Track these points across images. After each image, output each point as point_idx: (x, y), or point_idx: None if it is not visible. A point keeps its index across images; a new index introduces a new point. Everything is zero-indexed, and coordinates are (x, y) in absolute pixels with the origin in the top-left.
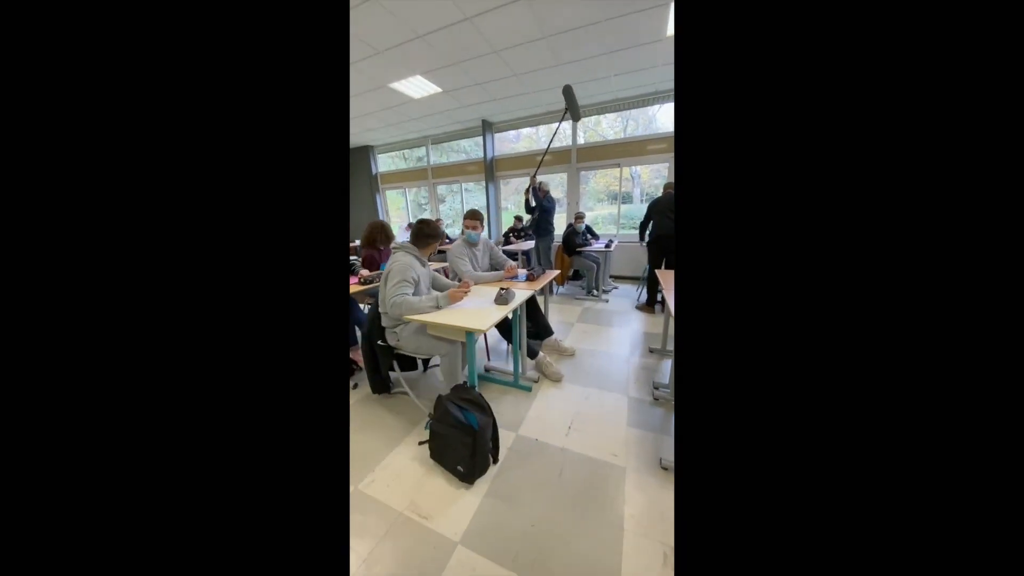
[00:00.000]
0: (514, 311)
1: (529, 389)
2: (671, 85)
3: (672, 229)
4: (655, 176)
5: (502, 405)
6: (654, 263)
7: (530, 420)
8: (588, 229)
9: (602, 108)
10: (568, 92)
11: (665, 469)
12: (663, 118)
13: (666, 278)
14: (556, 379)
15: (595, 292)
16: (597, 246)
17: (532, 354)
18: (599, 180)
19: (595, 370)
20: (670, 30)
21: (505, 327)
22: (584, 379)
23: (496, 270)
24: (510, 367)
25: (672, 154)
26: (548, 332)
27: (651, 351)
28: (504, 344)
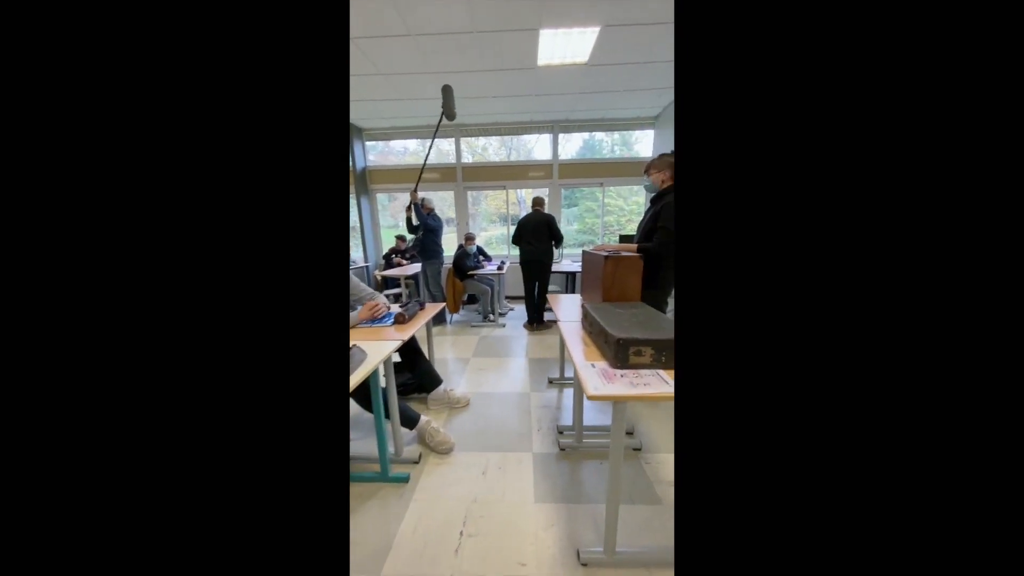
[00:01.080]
0: (372, 374)
1: (406, 479)
2: (547, 115)
3: (535, 255)
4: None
5: (364, 518)
6: (527, 286)
7: (404, 539)
8: (480, 251)
9: (484, 130)
10: (447, 91)
11: (585, 565)
12: (540, 150)
13: (554, 300)
14: (444, 450)
15: (491, 316)
16: (490, 268)
17: (411, 423)
18: (491, 202)
19: (493, 423)
20: (542, 59)
21: (364, 394)
22: (480, 440)
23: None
24: (378, 450)
25: (552, 179)
26: (435, 382)
27: (550, 382)
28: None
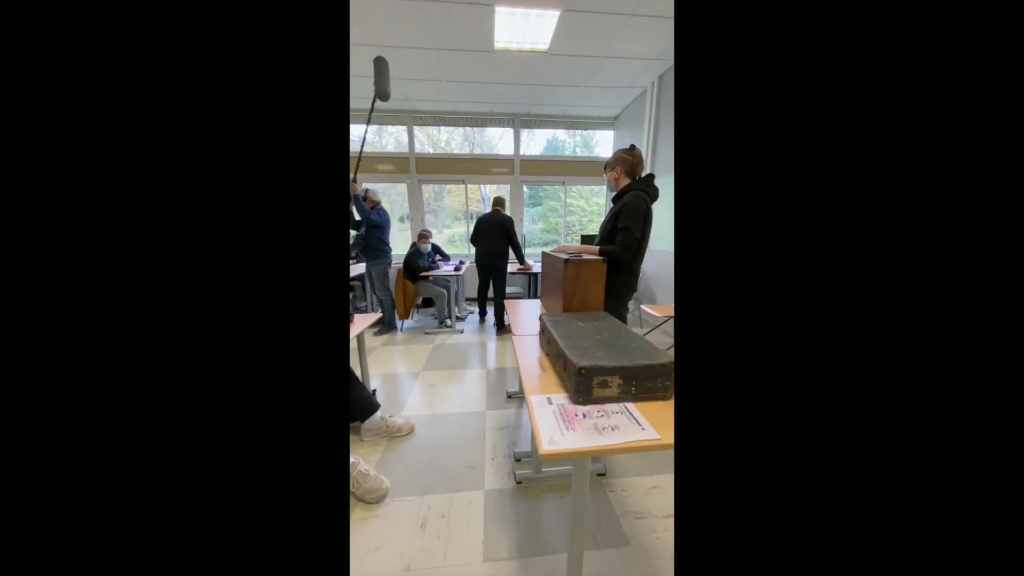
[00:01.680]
0: None
1: None
2: (508, 107)
3: (489, 257)
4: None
5: None
6: (480, 286)
7: None
8: (436, 249)
9: (440, 119)
10: (380, 64)
11: None
12: (504, 146)
13: (512, 308)
14: (374, 499)
15: (448, 322)
16: (447, 268)
17: (365, 411)
18: (455, 198)
19: (440, 454)
20: (499, 41)
21: None
22: (422, 479)
23: None
24: None
25: (514, 176)
26: (370, 409)
27: (509, 397)
28: None
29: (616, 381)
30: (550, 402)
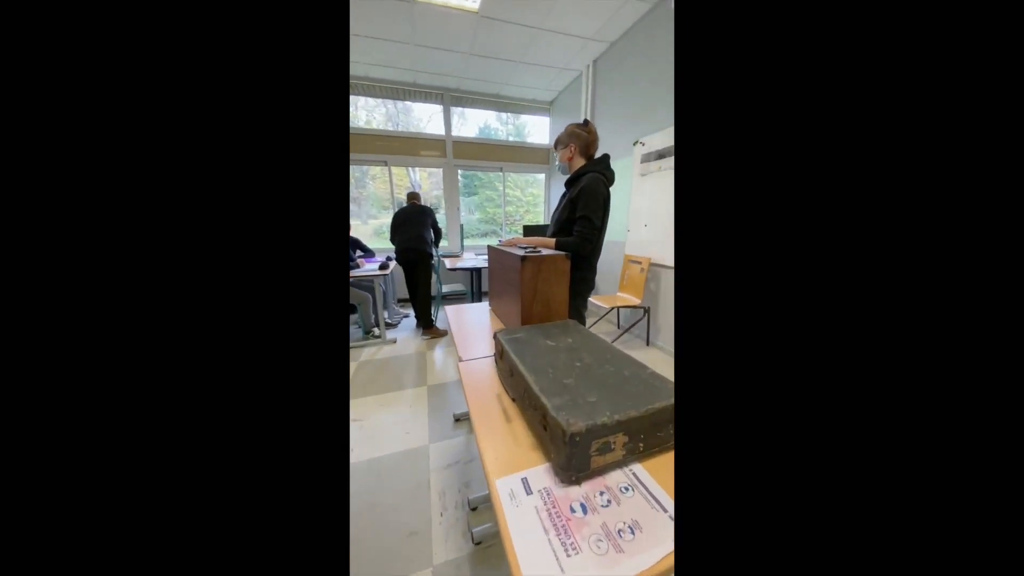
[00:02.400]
0: None
1: None
2: (435, 80)
3: (411, 245)
4: (435, 188)
5: None
6: (409, 286)
7: None
8: (356, 244)
9: (354, 86)
10: None
11: None
12: (434, 126)
13: (454, 316)
14: None
15: (376, 331)
16: (370, 267)
17: None
18: (380, 184)
19: (371, 521)
20: None
21: None
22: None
23: None
24: None
25: (446, 159)
26: None
27: (457, 420)
28: None
29: (620, 440)
30: (527, 489)
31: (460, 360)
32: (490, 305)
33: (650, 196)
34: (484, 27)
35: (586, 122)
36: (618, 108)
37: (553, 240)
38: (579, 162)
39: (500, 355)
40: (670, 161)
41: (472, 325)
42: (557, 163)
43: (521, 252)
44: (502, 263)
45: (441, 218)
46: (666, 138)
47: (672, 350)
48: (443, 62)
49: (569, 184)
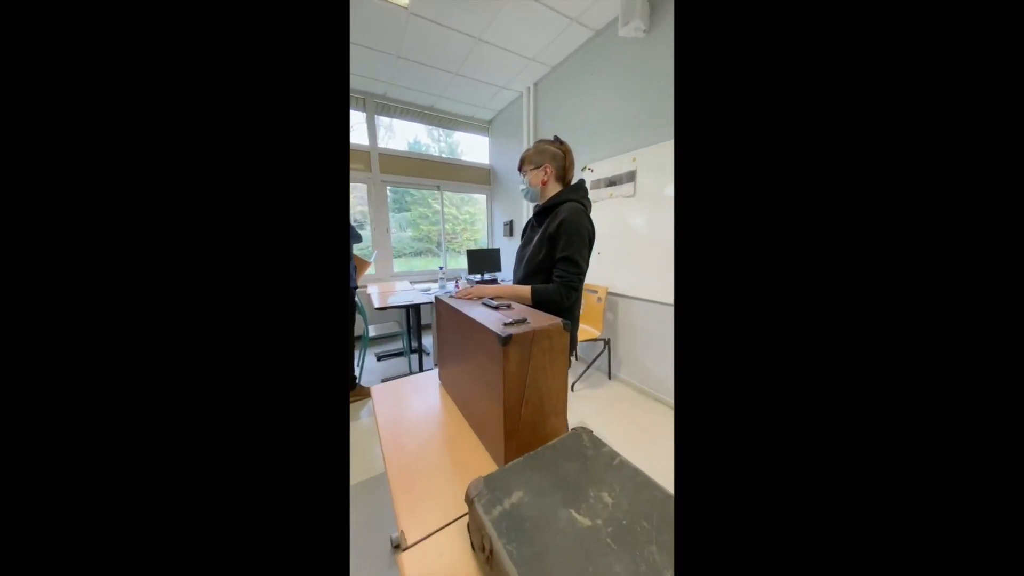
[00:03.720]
0: None
1: None
2: (358, 83)
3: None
4: (359, 203)
5: None
6: None
7: None
8: None
9: None
10: None
11: None
12: (356, 136)
13: (380, 396)
14: None
15: None
16: None
17: None
18: None
19: None
20: None
21: None
22: None
23: None
24: None
25: (371, 173)
26: None
27: (396, 548)
28: None
29: None
30: None
31: (402, 547)
32: (440, 382)
33: (602, 223)
34: (416, 27)
35: (556, 138)
36: (562, 133)
37: (528, 288)
38: (554, 188)
39: (487, 555)
40: (622, 188)
41: (416, 429)
42: (523, 187)
43: (504, 321)
44: (466, 333)
45: (367, 236)
46: (617, 166)
47: (636, 383)
48: (368, 64)
49: (541, 214)
